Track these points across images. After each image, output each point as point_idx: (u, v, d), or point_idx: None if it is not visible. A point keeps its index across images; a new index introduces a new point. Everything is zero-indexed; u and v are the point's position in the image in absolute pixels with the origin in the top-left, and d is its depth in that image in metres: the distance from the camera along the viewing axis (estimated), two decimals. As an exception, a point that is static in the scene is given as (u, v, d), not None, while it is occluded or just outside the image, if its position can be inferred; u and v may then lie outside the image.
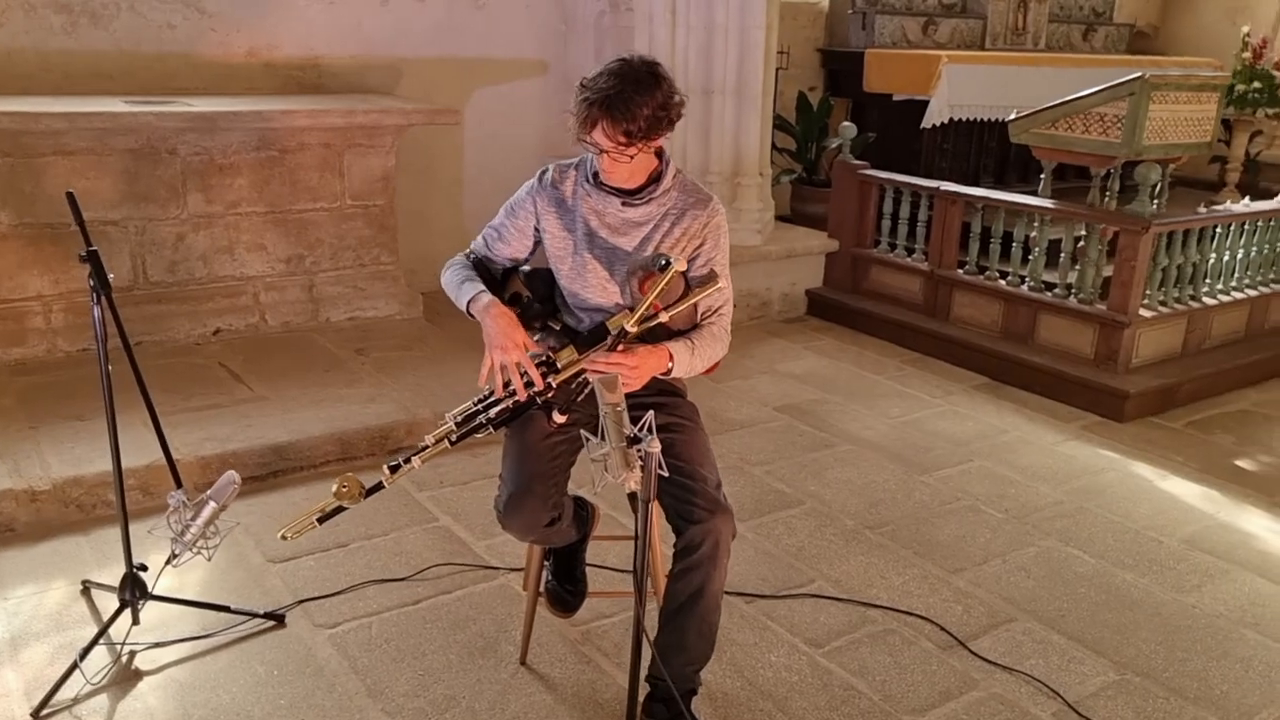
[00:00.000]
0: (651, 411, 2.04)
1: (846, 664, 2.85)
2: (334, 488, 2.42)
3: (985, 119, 7.04)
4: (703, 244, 2.45)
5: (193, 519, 2.34)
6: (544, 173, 2.52)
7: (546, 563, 2.79)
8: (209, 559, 2.48)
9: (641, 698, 2.35)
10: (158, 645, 2.77)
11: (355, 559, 3.28)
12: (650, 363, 2.34)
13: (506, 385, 2.35)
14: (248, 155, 4.85)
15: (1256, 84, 7.39)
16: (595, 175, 2.42)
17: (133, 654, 2.72)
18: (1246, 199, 5.65)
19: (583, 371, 2.36)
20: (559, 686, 2.70)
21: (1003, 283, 5.28)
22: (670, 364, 2.38)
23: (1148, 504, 3.91)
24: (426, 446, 2.44)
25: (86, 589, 3.02)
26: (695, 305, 2.40)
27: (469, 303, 2.43)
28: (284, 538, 2.44)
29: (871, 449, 4.31)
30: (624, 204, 2.41)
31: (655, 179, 2.41)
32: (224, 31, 5.31)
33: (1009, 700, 2.73)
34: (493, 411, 2.42)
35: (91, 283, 2.49)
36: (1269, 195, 5.95)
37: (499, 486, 2.48)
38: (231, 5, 5.29)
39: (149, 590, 2.73)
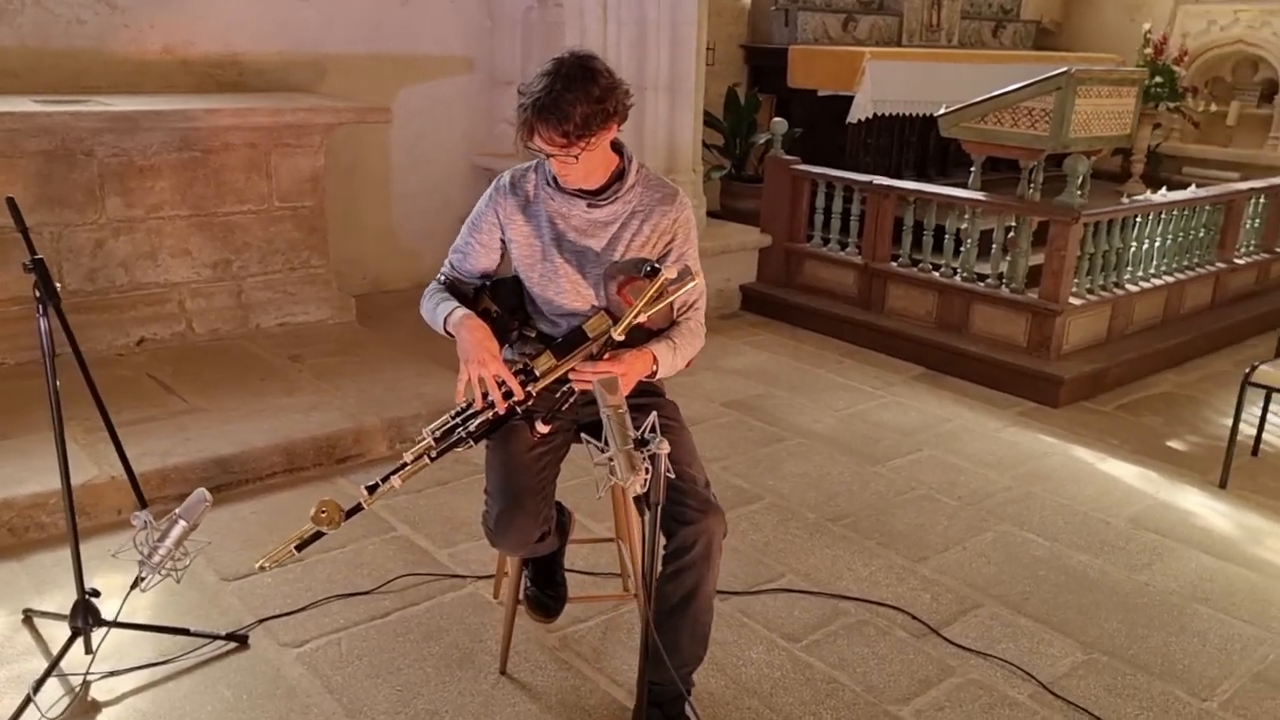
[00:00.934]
0: (655, 413, 2.00)
1: (826, 657, 2.85)
2: (311, 513, 2.33)
3: (907, 114, 7.17)
4: (673, 239, 2.43)
5: (160, 539, 2.21)
6: (501, 178, 2.46)
7: (525, 569, 2.72)
8: (178, 581, 2.35)
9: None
10: (114, 674, 2.62)
11: (314, 573, 3.16)
12: (637, 368, 2.31)
13: (485, 398, 2.29)
14: (169, 156, 4.64)
15: (1158, 79, 7.69)
16: (555, 178, 2.36)
17: (88, 684, 2.57)
18: (1164, 189, 5.86)
19: (564, 378, 2.32)
20: (543, 695, 2.65)
21: (936, 274, 5.38)
22: (655, 366, 2.36)
23: (1091, 486, 4.02)
24: (405, 464, 2.37)
25: (29, 618, 2.84)
26: (672, 304, 2.37)
27: (445, 321, 2.37)
28: (262, 568, 2.34)
29: (822, 442, 4.34)
30: (589, 205, 2.36)
31: (619, 176, 2.36)
32: (137, 27, 5.08)
33: (987, 685, 2.77)
34: (472, 425, 2.36)
35: (37, 293, 2.34)
36: (1170, 185, 6.20)
37: (486, 503, 2.41)
38: (145, 0, 5.05)
39: (103, 617, 2.58)
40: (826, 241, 5.93)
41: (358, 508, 2.40)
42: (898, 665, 2.84)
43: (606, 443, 1.96)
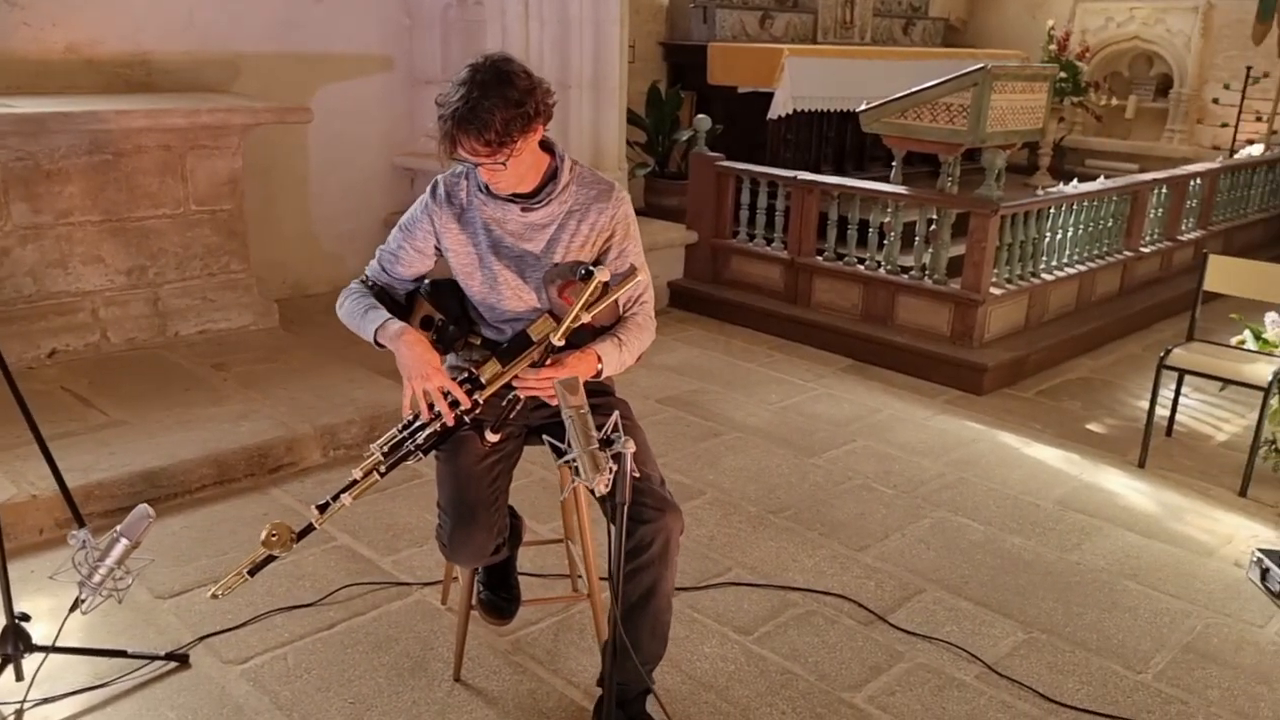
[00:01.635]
0: (618, 412, 1.99)
1: (778, 648, 2.88)
2: (262, 536, 2.27)
3: (825, 110, 7.28)
4: (612, 236, 2.41)
5: (101, 558, 2.12)
6: (435, 187, 2.42)
7: (478, 573, 2.69)
8: (120, 601, 2.26)
9: (593, 704, 2.31)
10: (49, 700, 2.51)
11: (254, 587, 3.05)
12: (580, 370, 2.29)
13: (432, 409, 2.25)
14: (78, 160, 4.45)
15: (1063, 74, 7.95)
16: (488, 185, 2.33)
17: (21, 713, 2.45)
18: (1075, 181, 6.06)
19: (510, 385, 2.29)
20: (499, 700, 2.62)
21: (861, 267, 5.48)
22: (600, 365, 2.34)
23: (1019, 470, 4.14)
24: (355, 481, 2.32)
25: (-50, 647, 2.70)
26: (616, 301, 2.36)
27: (376, 331, 2.32)
28: (214, 596, 2.26)
29: (758, 435, 4.38)
30: (524, 209, 2.34)
31: (552, 176, 2.34)
32: (39, 25, 4.86)
33: (934, 668, 2.83)
34: (420, 437, 2.32)
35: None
36: (1076, 178, 6.42)
37: (439, 518, 2.38)
38: (46, -3, 4.85)
39: (34, 642, 2.47)
40: (752, 237, 5.99)
41: (309, 528, 2.35)
42: (848, 653, 2.88)
43: (568, 444, 1.94)
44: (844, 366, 5.31)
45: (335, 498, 2.33)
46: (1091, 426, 4.66)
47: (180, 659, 2.69)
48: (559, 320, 2.31)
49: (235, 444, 3.78)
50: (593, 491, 2.10)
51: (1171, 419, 4.58)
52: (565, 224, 2.35)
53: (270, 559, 2.33)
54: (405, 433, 2.32)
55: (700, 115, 6.16)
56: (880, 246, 5.44)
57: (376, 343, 2.34)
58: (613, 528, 2.35)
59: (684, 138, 6.96)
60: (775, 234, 5.87)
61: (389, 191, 6.39)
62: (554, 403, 2.29)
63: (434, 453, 2.36)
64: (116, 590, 2.17)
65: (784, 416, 4.61)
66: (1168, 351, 4.20)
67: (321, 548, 3.31)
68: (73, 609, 2.23)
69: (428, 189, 2.41)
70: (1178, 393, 4.55)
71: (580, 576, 3.06)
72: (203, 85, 5.37)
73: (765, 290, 5.90)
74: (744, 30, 7.56)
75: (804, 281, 5.74)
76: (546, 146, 2.31)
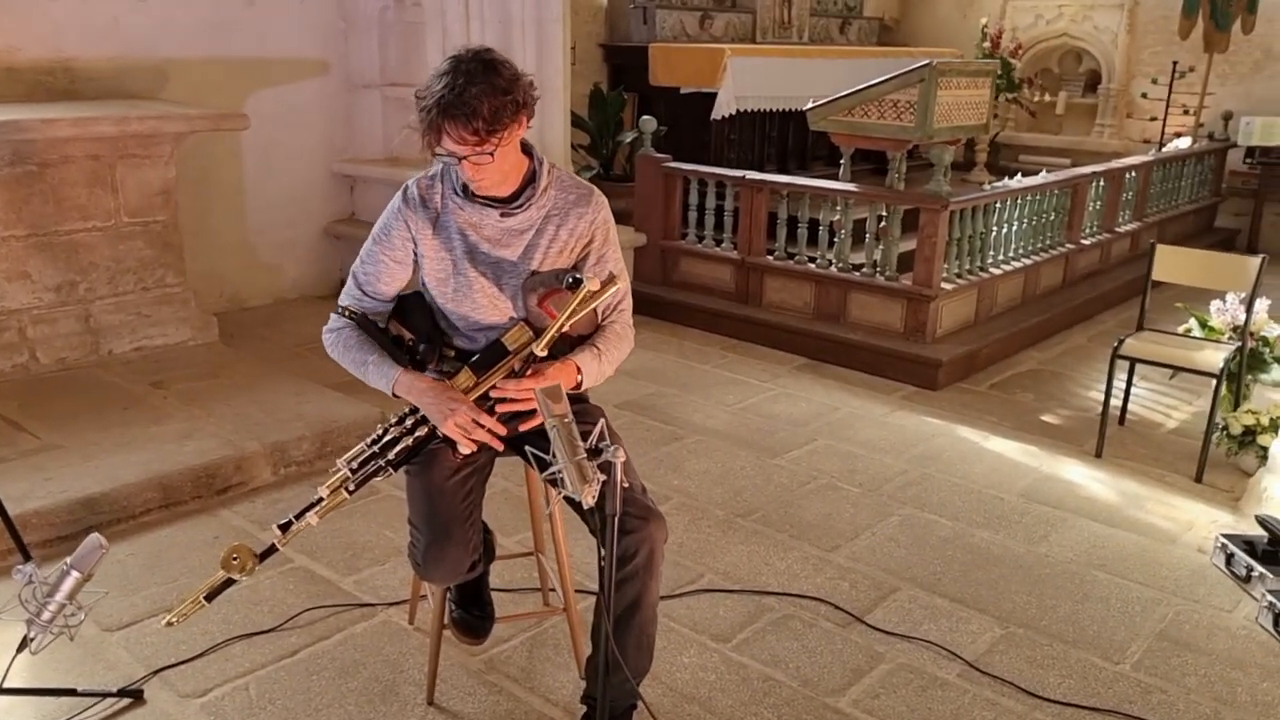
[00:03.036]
0: (603, 420, 1.91)
1: (758, 655, 2.83)
2: (222, 559, 2.15)
3: (766, 110, 7.28)
4: (591, 241, 2.34)
5: (50, 594, 1.98)
6: (406, 190, 2.31)
7: (449, 591, 2.58)
8: (72, 638, 2.11)
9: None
10: (-8, 748, 2.35)
11: (209, 615, 2.91)
12: (562, 381, 2.21)
13: (453, 447, 2.17)
14: None
15: (997, 71, 8.05)
16: (465, 187, 2.24)
17: (-37, 763, 2.30)
18: (1019, 175, 6.12)
19: (487, 396, 2.20)
20: (476, 723, 2.52)
21: (812, 266, 5.47)
22: (580, 377, 2.26)
23: (980, 464, 4.15)
24: (321, 500, 2.21)
25: (-119, 694, 2.52)
26: (595, 309, 2.28)
27: (393, 389, 2.23)
28: (169, 624, 2.13)
29: (719, 438, 4.33)
30: (502, 214, 2.25)
31: (530, 180, 2.26)
32: (-48, 31, 4.63)
33: (916, 668, 2.80)
34: (391, 453, 2.21)
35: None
36: (1019, 173, 6.49)
37: (411, 535, 2.27)
38: (-41, 1, 4.61)
39: (-25, 685, 2.31)
40: (701, 238, 5.95)
41: (271, 549, 2.23)
42: (828, 656, 2.84)
43: (553, 455, 1.86)
44: (798, 365, 5.29)
45: (299, 516, 2.21)
46: (1046, 418, 4.70)
47: (134, 695, 2.54)
48: (535, 329, 2.23)
49: (180, 464, 3.61)
50: (574, 503, 2.03)
51: (1124, 408, 4.64)
52: (544, 229, 2.26)
53: (229, 583, 2.21)
54: (374, 447, 2.21)
55: (645, 116, 6.10)
56: (831, 244, 5.43)
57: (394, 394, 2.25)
58: (595, 539, 2.29)
59: (628, 139, 6.90)
60: (725, 234, 5.84)
61: (328, 199, 6.23)
62: (535, 417, 2.21)
63: (404, 468, 2.26)
64: (68, 627, 2.02)
65: (743, 418, 4.56)
66: (1121, 342, 4.24)
67: (278, 570, 3.17)
68: (20, 649, 2.08)
69: (398, 194, 2.30)
70: (1129, 382, 4.61)
71: (553, 590, 2.98)
72: (129, 92, 5.17)
73: (716, 291, 5.85)
74: (684, 31, 7.53)
75: (755, 281, 5.71)
76: (525, 149, 2.22)
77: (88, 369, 4.47)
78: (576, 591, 2.67)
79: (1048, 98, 9.29)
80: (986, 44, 8.33)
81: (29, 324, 4.41)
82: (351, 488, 2.20)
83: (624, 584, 2.23)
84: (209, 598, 2.20)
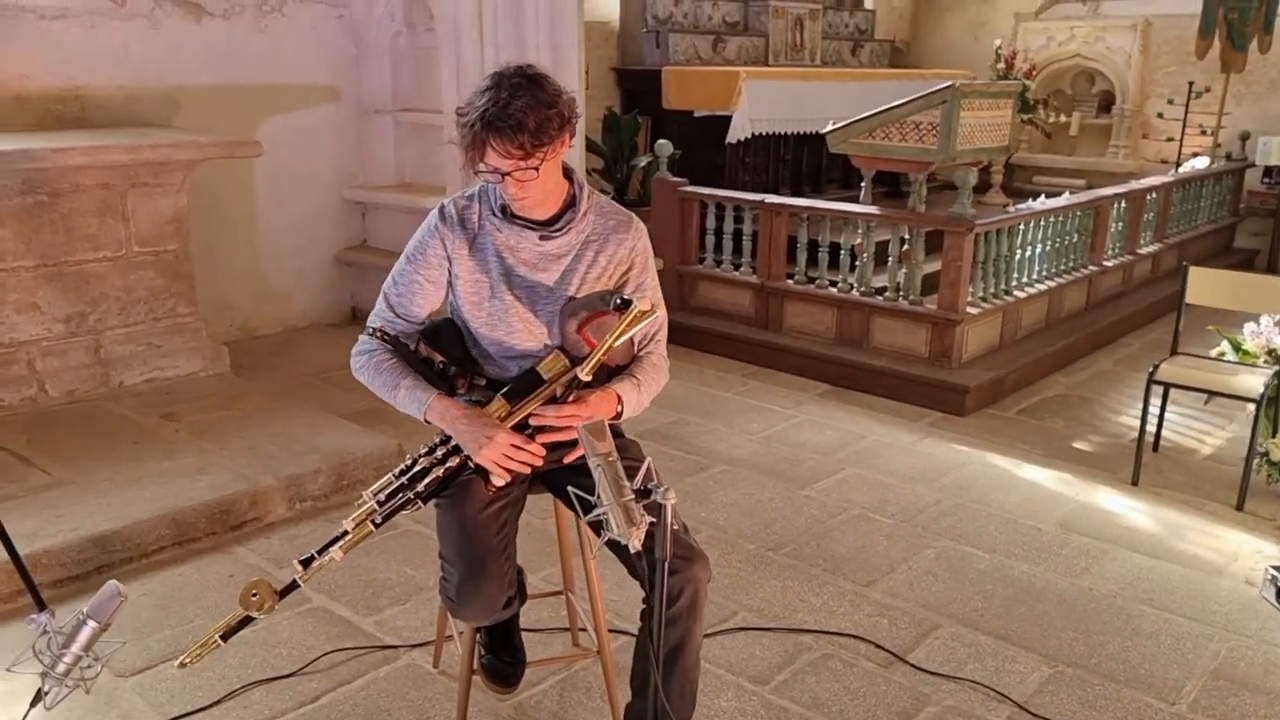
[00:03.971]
0: (650, 459, 1.81)
1: (798, 698, 2.71)
2: (240, 596, 2.04)
3: (780, 132, 7.21)
4: (630, 269, 2.26)
5: (65, 645, 1.88)
6: (443, 209, 2.23)
7: (479, 635, 2.47)
8: (88, 691, 2.00)
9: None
10: (1, 806, 2.23)
11: (225, 660, 2.81)
12: (602, 410, 2.12)
13: (486, 478, 2.08)
14: (10, 201, 4.16)
15: (1020, 92, 7.98)
16: (504, 208, 2.16)
17: (-30, 823, 2.18)
18: (1042, 196, 6.02)
19: (523, 424, 2.11)
20: (508, 774, 2.40)
21: (834, 290, 5.37)
22: (620, 407, 2.17)
23: (1015, 493, 4.03)
24: (346, 533, 2.10)
25: (-115, 747, 2.41)
26: (632, 339, 2.19)
27: (425, 414, 2.13)
28: (183, 665, 2.03)
29: (746, 467, 4.22)
30: (541, 237, 2.17)
31: (570, 204, 2.19)
32: (-38, 60, 4.57)
33: (964, 710, 2.68)
34: (421, 484, 2.11)
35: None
36: (1042, 194, 6.41)
37: (443, 570, 2.17)
38: (-30, 30, 4.56)
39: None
40: (720, 263, 5.86)
41: (293, 585, 2.12)
42: (872, 699, 2.72)
43: (597, 496, 1.76)
44: (822, 392, 5.19)
45: (322, 551, 2.11)
46: (1078, 444, 4.58)
47: (149, 746, 2.43)
48: (571, 357, 2.14)
49: (193, 500, 3.51)
50: (613, 547, 1.93)
51: (1158, 434, 4.52)
52: (582, 255, 2.18)
53: (248, 621, 2.11)
54: (403, 478, 2.11)
55: (661, 140, 6.03)
56: (852, 268, 5.34)
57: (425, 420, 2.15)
58: (633, 578, 2.18)
59: (642, 163, 6.83)
60: (743, 259, 5.75)
61: (340, 226, 6.16)
62: (576, 448, 2.11)
63: (433, 501, 2.16)
64: (84, 680, 1.91)
65: (769, 446, 4.45)
66: (1156, 366, 4.13)
67: (296, 610, 3.06)
68: (34, 703, 1.97)
69: (434, 212, 2.21)
70: (1164, 408, 4.49)
71: (583, 630, 2.87)
72: (141, 120, 5.11)
73: (735, 316, 5.76)
74: (697, 54, 7.47)
75: (775, 306, 5.61)
76: (565, 173, 2.15)
77: (97, 401, 4.37)
78: (611, 631, 2.56)
79: (1063, 118, 9.22)
80: (1000, 65, 8.27)
81: (38, 356, 4.32)
82: (378, 520, 2.10)
83: (667, 628, 2.12)
84: (225, 637, 2.10)
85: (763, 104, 6.79)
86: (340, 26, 5.89)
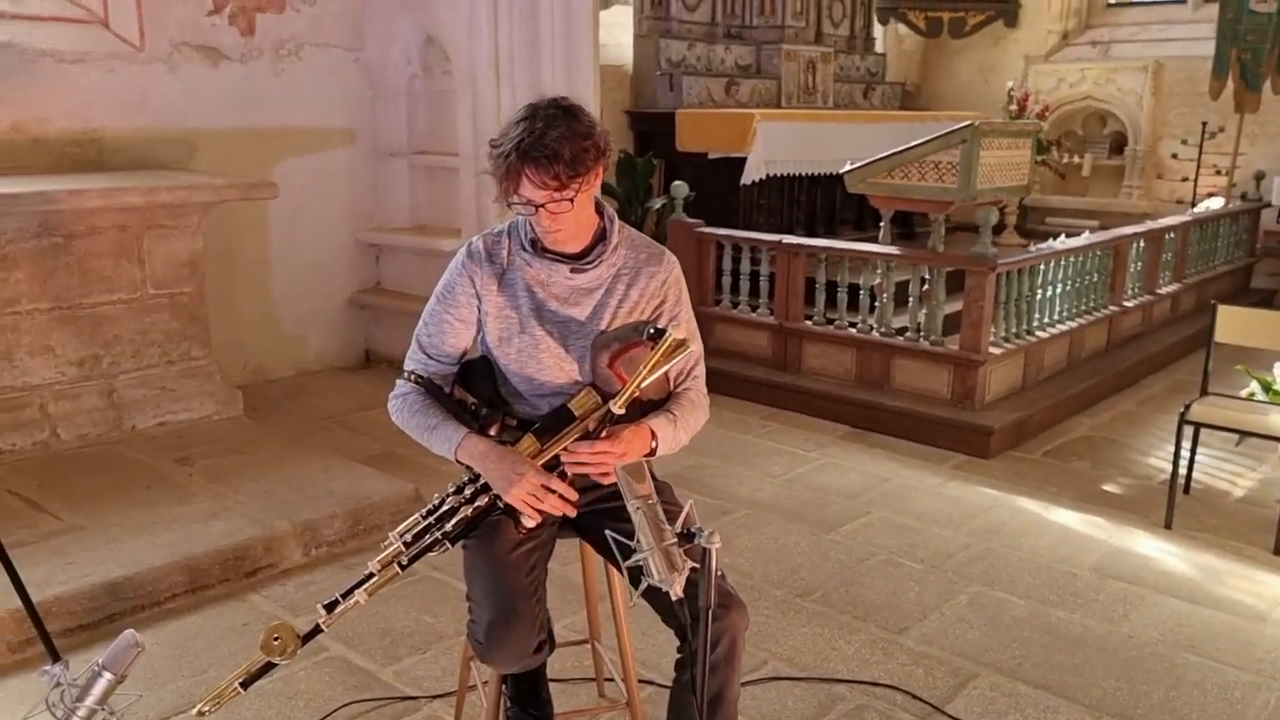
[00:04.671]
0: (692, 501, 1.74)
1: (835, 752, 2.61)
2: (261, 640, 1.96)
3: (794, 174, 7.20)
4: (663, 303, 2.21)
5: (80, 699, 1.80)
6: (470, 245, 2.20)
7: (505, 687, 2.38)
8: (101, 749, 1.92)
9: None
10: None
11: (241, 711, 2.72)
12: (635, 446, 2.06)
13: (515, 518, 2.02)
14: (25, 244, 4.14)
15: (1039, 131, 7.98)
16: (534, 242, 2.12)
17: None
18: (1063, 236, 5.99)
19: (555, 462, 2.05)
20: (535, 834, 2.30)
21: (854, 330, 5.31)
22: (654, 443, 2.10)
23: (1046, 537, 3.94)
24: (371, 575, 2.03)
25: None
26: (667, 374, 2.13)
27: (456, 453, 2.08)
28: (201, 714, 1.95)
29: (769, 511, 4.13)
30: (572, 270, 2.12)
31: (601, 237, 2.15)
32: (-19, 104, 4.57)
33: (1008, 765, 2.57)
34: (449, 524, 2.04)
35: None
36: (1041, 235, 6.37)
37: (472, 613, 2.08)
38: (-11, 73, 4.56)
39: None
40: (736, 304, 5.81)
41: (316, 630, 2.05)
42: (911, 753, 2.61)
43: (637, 540, 1.68)
44: (842, 434, 5.10)
45: (346, 595, 2.03)
46: (1107, 487, 4.49)
47: (161, 804, 2.33)
48: (603, 394, 2.08)
49: (207, 546, 3.43)
50: (648, 594, 1.85)
51: (1189, 476, 4.42)
52: (613, 288, 2.13)
53: (269, 667, 2.03)
54: (430, 518, 2.04)
55: (677, 181, 6.01)
56: (872, 309, 5.28)
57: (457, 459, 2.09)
58: (668, 626, 2.10)
59: (657, 205, 6.81)
60: (760, 300, 5.70)
61: (354, 269, 6.13)
62: (606, 481, 2.05)
63: (461, 542, 2.08)
64: (96, 737, 1.83)
65: (791, 489, 4.37)
66: (1188, 407, 4.05)
67: (313, 660, 2.97)
68: (44, 761, 1.88)
69: (461, 250, 2.17)
70: (1194, 449, 4.40)
71: (609, 680, 2.78)
72: (157, 163, 5.10)
73: (753, 358, 5.69)
74: (710, 97, 7.49)
75: (793, 347, 5.55)
76: (596, 207, 2.11)
77: (110, 445, 4.31)
78: (641, 681, 2.47)
79: (1076, 159, 9.21)
80: (1013, 107, 8.28)
81: (50, 400, 4.27)
82: (404, 562, 2.03)
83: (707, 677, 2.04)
84: (246, 684, 2.02)
85: (777, 145, 6.78)
86: (356, 70, 5.91)
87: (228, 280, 5.38)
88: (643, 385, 1.97)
